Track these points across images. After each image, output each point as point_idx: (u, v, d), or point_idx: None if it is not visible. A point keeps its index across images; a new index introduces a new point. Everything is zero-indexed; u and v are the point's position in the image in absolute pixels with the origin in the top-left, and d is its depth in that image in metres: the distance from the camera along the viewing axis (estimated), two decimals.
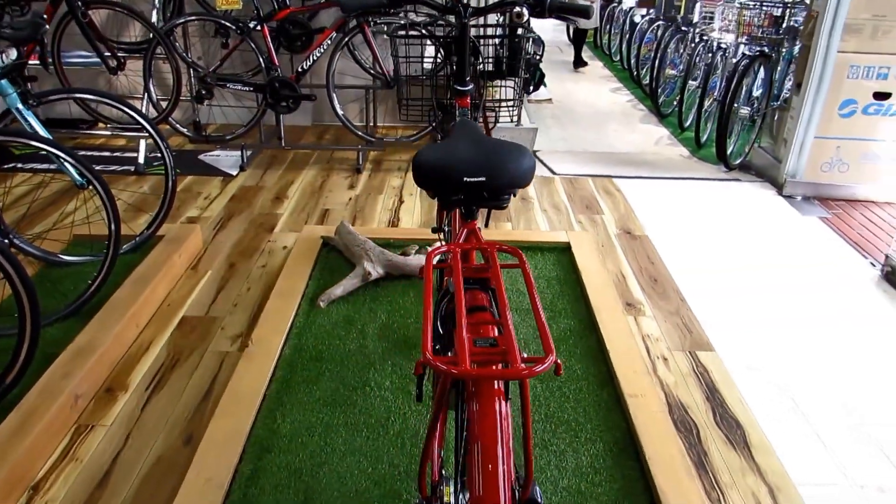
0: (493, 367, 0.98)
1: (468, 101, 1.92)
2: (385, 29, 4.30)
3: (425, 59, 3.89)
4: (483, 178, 1.28)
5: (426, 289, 1.13)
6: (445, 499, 1.18)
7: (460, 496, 1.19)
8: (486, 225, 1.49)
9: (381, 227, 3.35)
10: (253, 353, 2.21)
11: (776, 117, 4.19)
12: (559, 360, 0.93)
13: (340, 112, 3.96)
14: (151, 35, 3.83)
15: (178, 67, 3.71)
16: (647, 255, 3.16)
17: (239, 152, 4.20)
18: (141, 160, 3.98)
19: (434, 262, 1.20)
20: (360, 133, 4.08)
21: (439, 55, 3.89)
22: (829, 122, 3.66)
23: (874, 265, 3.13)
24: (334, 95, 3.94)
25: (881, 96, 3.55)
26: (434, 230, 2.51)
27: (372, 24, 3.82)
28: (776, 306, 2.78)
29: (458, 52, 1.81)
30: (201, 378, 2.24)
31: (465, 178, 1.27)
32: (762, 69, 4.13)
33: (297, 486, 1.76)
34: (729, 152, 4.23)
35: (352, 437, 1.93)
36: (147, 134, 2.81)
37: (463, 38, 1.80)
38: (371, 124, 4.50)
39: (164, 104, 4.07)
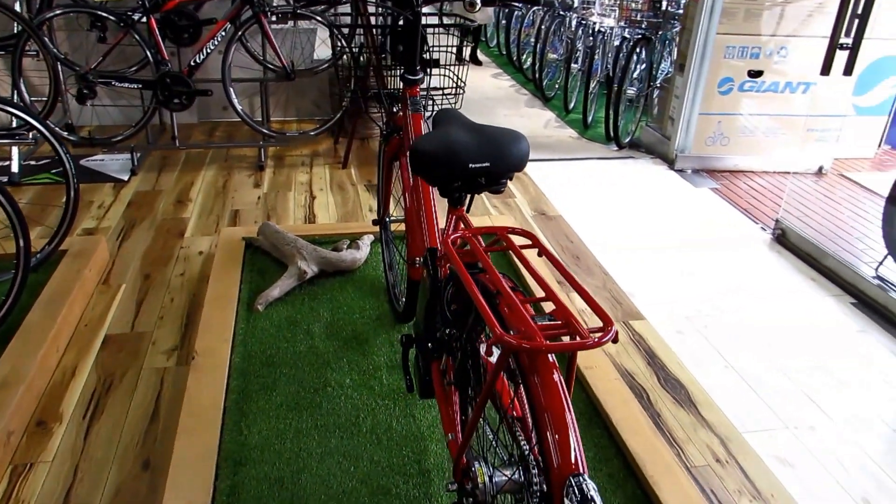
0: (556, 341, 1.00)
1: (418, 90, 1.91)
2: (274, 19, 4.15)
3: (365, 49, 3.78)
4: (487, 164, 1.29)
5: (464, 275, 1.13)
6: (480, 479, 1.20)
7: (494, 473, 1.21)
8: (468, 210, 1.50)
9: (302, 224, 3.25)
10: (201, 366, 2.09)
11: (655, 96, 4.47)
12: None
13: (239, 107, 3.79)
14: (18, 28, 3.47)
15: (54, 64, 3.39)
16: (565, 234, 3.29)
17: (127, 155, 3.92)
18: (15, 168, 3.62)
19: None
20: (264, 129, 3.92)
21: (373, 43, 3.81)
22: (711, 100, 3.96)
23: (764, 229, 3.44)
24: (231, 90, 3.77)
25: (754, 74, 3.88)
26: (375, 222, 2.49)
27: (269, 14, 3.67)
28: (688, 272, 2.99)
29: (408, 40, 1.80)
30: (143, 398, 2.10)
31: (469, 165, 1.28)
32: (643, 51, 4.39)
33: (282, 495, 1.69)
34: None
35: (325, 440, 1.88)
36: (26, 140, 2.57)
37: (415, 27, 1.78)
38: (266, 120, 4.34)
39: (38, 106, 3.71)
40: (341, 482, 1.74)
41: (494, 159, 1.29)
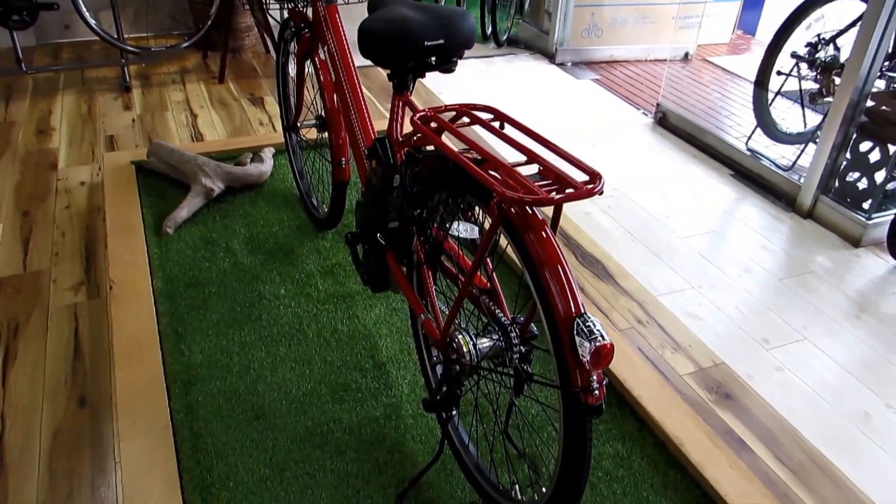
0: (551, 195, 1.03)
1: None
2: None
3: None
4: (442, 41, 1.26)
5: (446, 148, 1.13)
6: (465, 348, 1.25)
7: (477, 340, 1.25)
8: (412, 94, 1.48)
9: (191, 143, 3.05)
10: (121, 295, 1.96)
11: None
12: None
13: (93, 23, 3.42)
14: None
15: None
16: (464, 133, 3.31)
17: None
18: None
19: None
20: (128, 46, 3.57)
21: None
22: None
23: (646, 114, 3.63)
24: (81, 3, 3.38)
25: None
26: (286, 129, 2.39)
27: None
28: (585, 158, 3.13)
29: None
30: (60, 337, 1.95)
31: (425, 42, 1.25)
32: None
33: (242, 406, 1.67)
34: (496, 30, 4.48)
35: (273, 349, 1.85)
36: None
37: None
38: (120, 37, 3.95)
39: None
40: (299, 386, 1.74)
41: (448, 36, 1.27)
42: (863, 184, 2.63)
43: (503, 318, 1.26)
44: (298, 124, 2.26)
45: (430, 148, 1.37)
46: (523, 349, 1.24)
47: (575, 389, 1.01)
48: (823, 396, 1.87)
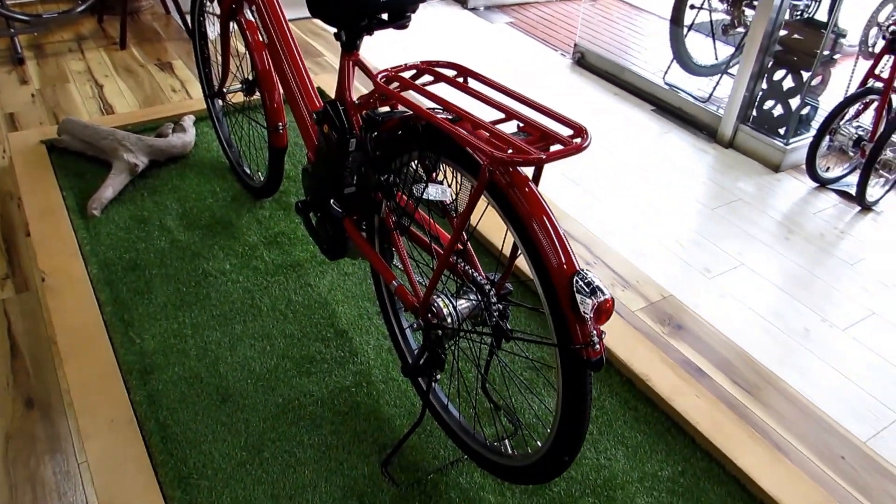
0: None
1: None
2: None
3: None
4: None
5: (417, 108, 1.10)
6: (446, 311, 1.24)
7: (455, 302, 1.25)
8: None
9: (101, 117, 2.85)
10: (56, 286, 1.84)
11: None
12: None
13: None
14: None
15: None
16: None
17: None
18: None
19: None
20: (17, 14, 3.27)
21: None
22: None
23: (564, 55, 3.65)
24: None
25: None
26: (208, 96, 2.27)
27: None
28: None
29: None
30: None
31: None
32: None
33: (206, 390, 1.61)
34: None
35: (229, 327, 1.79)
36: None
37: None
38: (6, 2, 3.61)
39: None
40: (262, 363, 1.70)
41: None
42: (778, 111, 2.75)
43: (480, 279, 1.26)
44: (225, 90, 2.15)
45: (385, 109, 1.33)
46: (501, 306, 1.24)
47: (576, 346, 1.02)
48: (766, 317, 1.99)
